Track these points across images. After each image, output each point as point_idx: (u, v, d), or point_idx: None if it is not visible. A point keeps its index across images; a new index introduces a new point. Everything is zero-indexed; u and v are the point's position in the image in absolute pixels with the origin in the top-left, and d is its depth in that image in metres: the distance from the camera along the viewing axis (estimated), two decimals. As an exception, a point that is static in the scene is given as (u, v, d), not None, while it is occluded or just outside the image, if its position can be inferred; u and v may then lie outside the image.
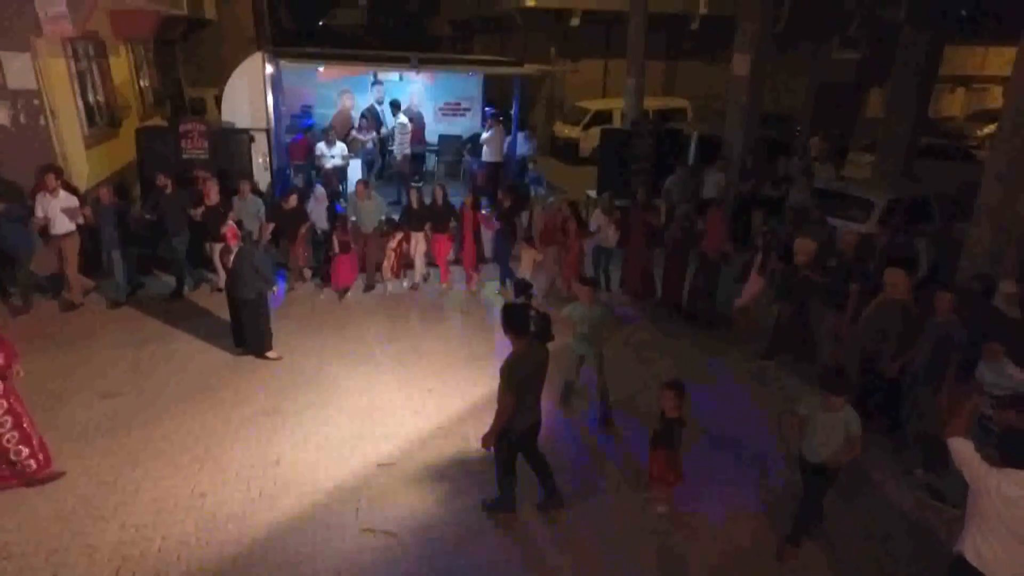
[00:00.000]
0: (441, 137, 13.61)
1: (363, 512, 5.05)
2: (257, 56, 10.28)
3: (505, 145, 12.79)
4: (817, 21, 21.72)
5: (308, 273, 9.33)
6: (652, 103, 20.89)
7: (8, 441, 4.92)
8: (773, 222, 9.72)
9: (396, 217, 9.48)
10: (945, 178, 12.84)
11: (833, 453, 4.47)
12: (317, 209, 9.32)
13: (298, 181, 10.93)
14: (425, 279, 9.41)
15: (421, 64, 10.29)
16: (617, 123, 18.34)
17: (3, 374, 4.86)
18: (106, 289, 8.64)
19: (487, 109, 13.02)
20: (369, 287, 9.10)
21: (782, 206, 10.39)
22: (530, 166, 12.87)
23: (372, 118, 12.40)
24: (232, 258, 6.92)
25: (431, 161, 13.63)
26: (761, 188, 11.61)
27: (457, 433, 6.08)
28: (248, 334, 7.19)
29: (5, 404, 4.88)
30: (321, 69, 11.66)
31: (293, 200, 8.79)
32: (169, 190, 8.56)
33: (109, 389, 6.54)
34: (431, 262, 9.40)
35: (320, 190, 9.53)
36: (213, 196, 8.43)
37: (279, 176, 11.05)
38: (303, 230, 8.87)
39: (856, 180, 12.04)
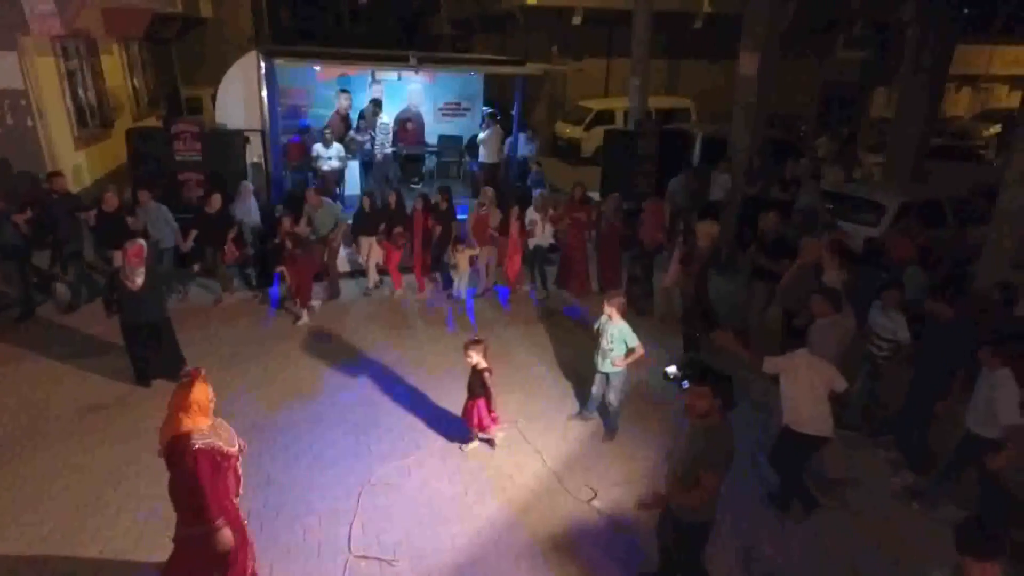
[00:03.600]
0: (441, 138, 13.31)
1: (357, 538, 4.79)
2: (251, 55, 10.01)
3: (507, 146, 12.53)
4: (822, 20, 21.44)
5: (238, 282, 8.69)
6: (655, 102, 20.57)
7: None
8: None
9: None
10: (952, 179, 12.56)
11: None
12: (244, 207, 8.66)
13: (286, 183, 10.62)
14: (377, 285, 9.07)
15: (420, 63, 10.01)
16: (619, 123, 18.08)
17: None
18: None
19: (484, 109, 12.72)
20: (333, 295, 8.76)
21: (791, 209, 10.11)
22: (532, 168, 12.59)
23: (370, 118, 12.11)
24: (142, 279, 6.11)
25: (431, 162, 13.33)
26: (769, 190, 11.33)
27: (457, 452, 5.81)
28: (164, 357, 6.49)
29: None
30: (318, 68, 11.37)
31: (216, 202, 8.08)
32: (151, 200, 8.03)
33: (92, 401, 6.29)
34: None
35: (246, 185, 8.79)
36: (143, 200, 7.94)
37: (275, 178, 10.78)
38: (231, 235, 8.15)
39: (866, 182, 11.76)
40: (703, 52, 21.73)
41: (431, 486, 5.37)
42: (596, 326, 5.95)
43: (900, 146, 12.96)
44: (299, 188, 10.21)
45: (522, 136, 12.83)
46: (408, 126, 12.56)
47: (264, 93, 10.00)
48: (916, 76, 12.36)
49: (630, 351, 5.73)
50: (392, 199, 8.52)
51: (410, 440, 5.93)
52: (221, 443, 3.61)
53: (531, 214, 8.64)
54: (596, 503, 5.24)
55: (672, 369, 3.98)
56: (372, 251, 8.68)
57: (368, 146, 11.36)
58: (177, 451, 3.48)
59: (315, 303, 8.21)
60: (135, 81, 13.55)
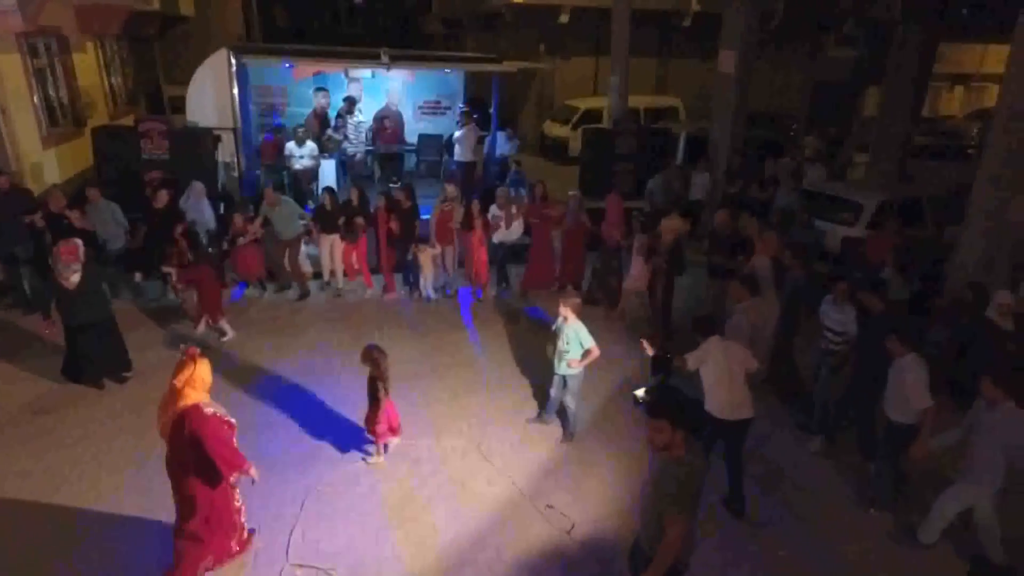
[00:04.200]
0: (421, 136, 13.19)
1: (296, 546, 4.66)
2: (222, 53, 9.90)
3: (486, 144, 12.41)
4: (812, 18, 21.31)
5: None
6: (643, 102, 20.48)
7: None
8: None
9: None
10: (942, 178, 12.44)
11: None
12: (197, 206, 8.41)
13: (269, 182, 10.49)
14: (339, 289, 8.86)
15: (393, 61, 9.88)
16: (607, 122, 17.95)
17: None
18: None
19: (459, 106, 12.60)
20: (303, 295, 8.63)
21: (770, 208, 9.99)
22: (512, 166, 12.47)
23: (345, 117, 11.98)
24: (78, 278, 5.91)
25: (411, 161, 13.22)
26: (748, 190, 11.21)
27: (409, 457, 5.68)
28: (109, 358, 6.35)
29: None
30: (288, 65, 11.25)
31: (163, 198, 7.82)
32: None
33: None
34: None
35: (198, 185, 8.56)
36: (93, 197, 7.76)
37: (248, 177, 10.68)
38: (178, 232, 7.79)
39: (845, 181, 11.63)
40: (693, 51, 21.59)
41: (379, 492, 5.24)
42: (553, 327, 5.83)
43: (884, 145, 12.85)
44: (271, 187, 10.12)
45: (501, 134, 12.72)
46: (387, 124, 12.44)
47: (235, 91, 9.91)
48: (900, 75, 12.25)
49: (586, 352, 5.61)
50: (354, 195, 8.37)
51: (363, 444, 5.80)
52: (224, 413, 4.02)
53: (494, 211, 8.51)
54: (552, 512, 5.11)
55: (640, 392, 3.84)
56: (334, 250, 8.53)
57: (345, 145, 11.24)
58: (192, 421, 3.77)
59: (224, 325, 7.49)
60: (112, 80, 13.41)
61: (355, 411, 6.24)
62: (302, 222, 8.52)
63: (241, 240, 7.98)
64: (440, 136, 13.22)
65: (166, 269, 7.33)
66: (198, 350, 4.03)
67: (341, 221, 8.25)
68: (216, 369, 6.65)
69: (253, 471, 4.07)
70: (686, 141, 14.22)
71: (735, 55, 10.81)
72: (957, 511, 4.65)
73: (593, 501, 5.22)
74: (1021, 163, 6.64)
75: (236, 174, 10.23)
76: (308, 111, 12.09)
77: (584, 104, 19.71)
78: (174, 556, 4.14)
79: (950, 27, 13.38)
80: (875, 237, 8.73)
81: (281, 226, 8.18)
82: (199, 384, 3.93)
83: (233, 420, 4.11)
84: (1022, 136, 6.53)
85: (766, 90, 23.81)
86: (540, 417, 6.24)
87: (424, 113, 13.38)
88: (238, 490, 4.28)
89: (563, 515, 5.02)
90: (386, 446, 5.61)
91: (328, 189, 8.60)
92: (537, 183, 8.99)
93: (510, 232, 8.50)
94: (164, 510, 4.55)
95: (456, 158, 11.67)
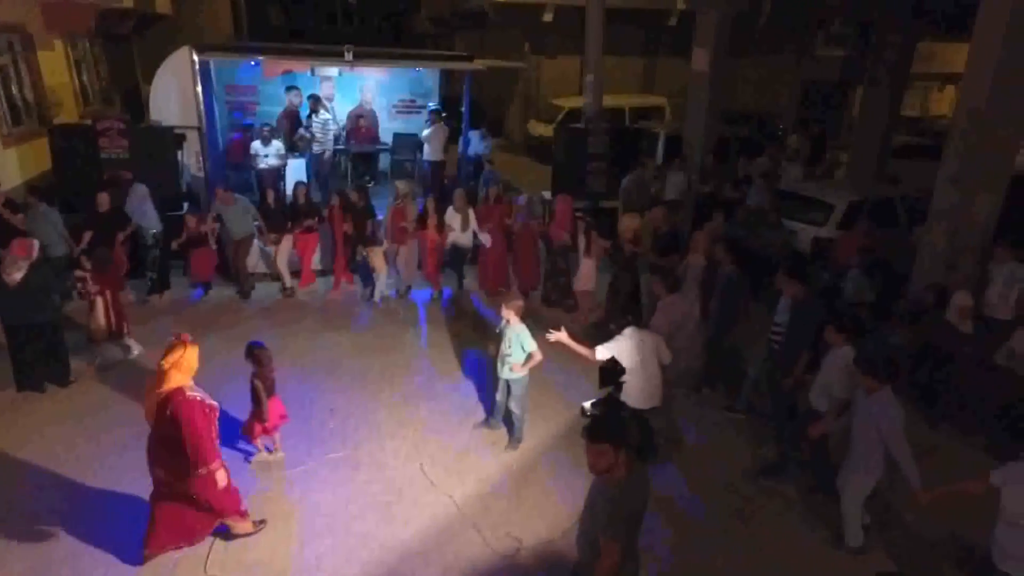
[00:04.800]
0: (396, 135, 13.04)
1: (216, 556, 4.52)
2: (184, 50, 9.73)
3: (460, 144, 12.27)
4: (799, 17, 21.17)
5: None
6: (630, 101, 20.40)
7: None
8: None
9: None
10: (925, 178, 12.27)
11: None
12: (140, 209, 8.13)
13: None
14: (291, 289, 8.70)
15: (356, 58, 9.73)
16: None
17: None
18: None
19: (429, 105, 12.46)
20: (245, 294, 8.48)
21: (736, 208, 9.87)
22: (487, 166, 12.33)
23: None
24: (20, 276, 5.77)
25: (385, 160, 13.07)
26: (722, 189, 11.08)
27: (348, 463, 5.54)
28: (51, 362, 6.21)
29: None
30: (254, 64, 11.10)
31: (104, 201, 7.57)
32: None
33: None
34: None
35: (141, 188, 8.26)
36: (31, 203, 7.54)
37: (215, 177, 10.53)
38: (122, 236, 7.66)
39: (818, 181, 11.49)
40: (679, 50, 21.41)
41: (311, 499, 5.11)
42: (498, 330, 5.70)
43: (864, 144, 12.71)
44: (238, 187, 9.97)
45: (475, 134, 12.57)
46: (361, 123, 12.29)
47: (198, 89, 9.76)
48: (879, 74, 12.11)
49: (528, 357, 5.48)
50: (301, 194, 8.21)
51: (302, 450, 5.66)
52: (206, 397, 4.11)
53: (449, 213, 8.37)
54: (486, 525, 4.98)
55: (588, 405, 3.69)
56: (281, 250, 8.38)
57: (313, 144, 11.10)
58: (175, 403, 3.92)
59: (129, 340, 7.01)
60: (83, 78, 13.27)
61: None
62: (256, 223, 8.37)
63: (209, 240, 7.85)
64: (415, 135, 13.02)
65: (79, 274, 6.93)
66: (189, 336, 4.18)
67: (289, 226, 8.10)
68: (130, 376, 6.56)
69: (219, 475, 4.13)
70: (665, 140, 14.13)
71: (708, 53, 10.67)
72: (860, 503, 4.60)
73: (533, 512, 5.08)
74: (981, 163, 6.50)
75: (201, 174, 10.07)
76: (278, 110, 11.94)
77: (568, 103, 19.55)
78: (147, 527, 4.30)
79: (930, 26, 13.21)
80: (845, 238, 8.63)
81: (233, 225, 8.03)
82: (185, 368, 4.07)
83: (215, 403, 4.18)
84: (981, 136, 6.38)
85: (754, 90, 23.70)
86: (487, 422, 6.10)
87: (399, 112, 13.22)
88: (220, 474, 4.19)
89: (509, 535, 4.84)
90: (268, 443, 5.48)
91: (272, 188, 8.46)
92: (492, 185, 8.87)
93: (465, 234, 8.36)
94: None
95: (425, 157, 11.53)
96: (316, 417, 6.14)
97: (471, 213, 8.38)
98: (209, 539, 4.60)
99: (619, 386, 4.97)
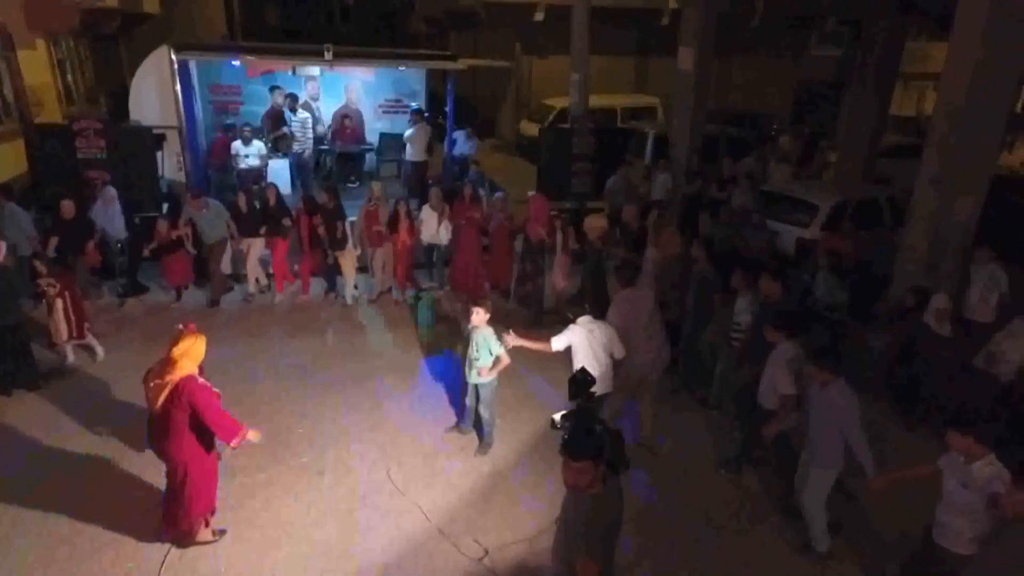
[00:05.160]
0: (382, 135, 12.95)
1: (171, 563, 4.43)
2: (163, 50, 9.66)
3: (446, 144, 12.19)
4: (793, 16, 21.08)
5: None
6: (622, 101, 20.31)
7: None
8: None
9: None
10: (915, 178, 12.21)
11: None
12: (106, 215, 7.99)
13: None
14: (262, 290, 8.63)
15: (336, 57, 9.63)
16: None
17: None
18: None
19: (411, 105, 12.36)
20: (214, 302, 8.35)
21: (719, 208, 9.79)
22: (472, 166, 12.25)
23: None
24: None
25: (370, 161, 12.97)
26: (708, 190, 10.98)
27: (313, 469, 5.45)
28: (14, 364, 6.10)
29: None
30: (235, 63, 11.01)
31: (69, 209, 7.34)
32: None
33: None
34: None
35: (110, 191, 8.13)
36: None
37: (197, 177, 10.45)
38: (91, 244, 7.50)
39: (803, 182, 11.40)
40: (672, 50, 21.26)
41: (273, 506, 5.01)
42: (465, 334, 5.60)
43: (852, 145, 12.62)
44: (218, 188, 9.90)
45: (461, 134, 12.48)
46: (346, 123, 12.20)
47: (178, 88, 9.68)
48: (867, 74, 12.03)
49: (496, 360, 5.39)
50: (271, 196, 8.11)
51: (268, 456, 5.56)
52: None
53: (425, 212, 8.27)
54: (453, 533, 4.89)
55: (557, 417, 3.59)
56: (251, 253, 8.27)
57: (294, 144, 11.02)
58: (189, 391, 4.10)
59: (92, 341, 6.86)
60: (68, 78, 13.18)
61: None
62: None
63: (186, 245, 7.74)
64: (402, 135, 12.96)
65: (47, 282, 6.52)
66: (195, 326, 4.36)
67: (263, 231, 8.00)
68: (97, 380, 6.51)
69: (251, 434, 4.32)
70: (654, 140, 14.03)
71: (693, 52, 10.58)
72: (822, 500, 4.54)
73: (501, 520, 4.98)
74: (961, 163, 6.41)
75: (181, 175, 9.99)
76: (262, 110, 11.86)
77: (559, 103, 19.42)
78: (164, 516, 4.44)
79: (920, 25, 13.13)
80: (828, 239, 8.53)
81: (206, 230, 7.92)
82: (193, 356, 4.26)
83: (217, 391, 4.36)
84: (960, 136, 6.29)
85: (749, 90, 23.61)
86: (458, 427, 6.02)
87: (385, 112, 13.13)
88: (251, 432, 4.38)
89: (475, 542, 4.74)
90: None
91: (244, 190, 8.36)
92: (465, 183, 8.79)
93: (440, 234, 8.27)
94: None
95: (408, 158, 11.43)
96: (285, 422, 6.04)
97: (447, 211, 8.28)
98: (164, 547, 4.52)
99: (590, 396, 4.78)
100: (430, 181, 11.12)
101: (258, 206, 8.26)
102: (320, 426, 6.02)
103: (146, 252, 7.90)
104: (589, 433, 3.09)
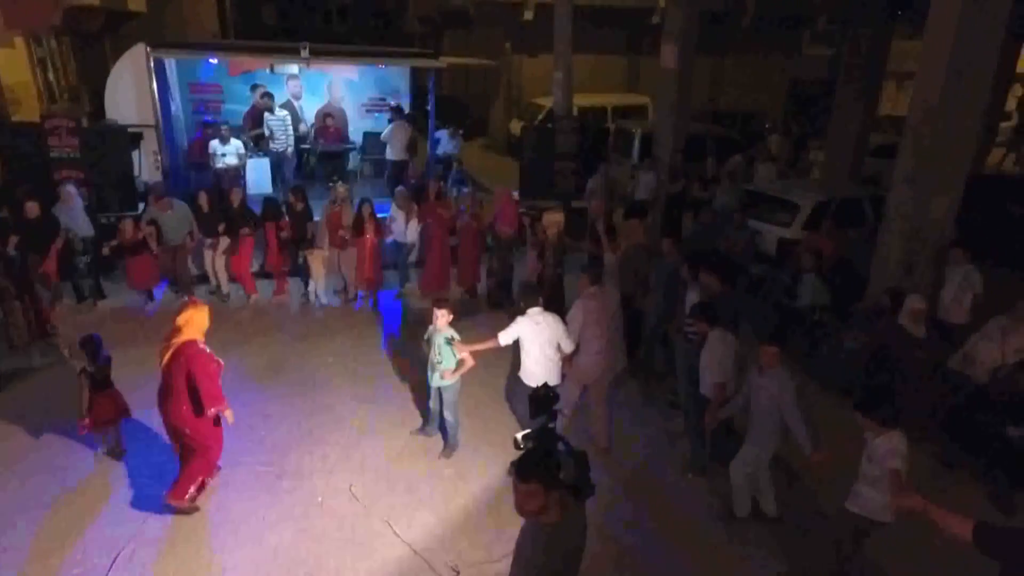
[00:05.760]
0: (366, 135, 12.86)
1: (121, 564, 4.34)
2: (139, 47, 9.58)
3: (429, 143, 12.10)
4: (785, 15, 21.01)
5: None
6: (612, 100, 20.24)
7: None
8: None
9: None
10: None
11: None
12: (69, 212, 7.74)
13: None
14: (225, 293, 8.39)
15: (314, 55, 9.55)
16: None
17: None
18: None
19: (390, 103, 12.28)
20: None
21: (701, 207, 9.72)
22: (455, 166, 12.17)
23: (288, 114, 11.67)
24: None
25: (354, 160, 12.89)
26: (691, 189, 10.92)
27: (272, 472, 5.36)
28: None
29: None
30: (213, 61, 10.93)
31: (33, 209, 7.13)
32: None
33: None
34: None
35: (69, 189, 7.91)
36: None
37: (175, 176, 10.38)
38: (57, 244, 7.26)
39: (785, 181, 11.31)
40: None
41: (228, 508, 4.93)
42: (426, 336, 5.51)
43: (838, 144, 12.53)
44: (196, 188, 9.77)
45: (444, 133, 12.40)
46: (329, 122, 12.13)
47: (154, 86, 9.60)
48: (853, 73, 11.94)
49: (459, 363, 5.30)
50: (235, 197, 8.00)
51: (227, 457, 5.38)
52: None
53: (392, 211, 8.18)
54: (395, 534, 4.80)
55: (520, 437, 3.40)
56: (211, 253, 8.15)
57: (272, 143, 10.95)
58: (188, 355, 4.44)
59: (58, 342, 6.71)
60: (48, 77, 13.09)
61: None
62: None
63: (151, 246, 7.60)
64: (385, 134, 12.89)
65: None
66: (197, 298, 4.88)
67: (221, 228, 7.89)
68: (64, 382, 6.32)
69: (228, 413, 4.70)
70: (641, 139, 13.95)
71: (676, 50, 10.49)
72: (747, 474, 4.87)
73: (459, 526, 4.90)
74: (937, 162, 6.32)
75: (159, 174, 9.90)
76: (244, 108, 11.78)
77: (548, 103, 19.35)
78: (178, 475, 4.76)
79: (908, 24, 13.05)
80: (809, 239, 8.46)
81: (170, 231, 7.79)
82: (196, 324, 4.59)
83: (221, 361, 4.71)
84: (935, 134, 6.20)
85: (741, 89, 23.53)
86: (424, 429, 5.92)
87: (369, 111, 13.05)
88: (228, 412, 4.75)
89: (429, 549, 4.66)
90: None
91: (205, 190, 8.28)
92: (433, 180, 8.70)
93: (408, 233, 8.18)
94: None
95: (388, 157, 11.35)
96: (247, 423, 5.93)
97: (414, 210, 8.19)
98: (117, 549, 4.44)
99: (554, 414, 4.59)
100: (412, 180, 11.06)
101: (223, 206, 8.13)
102: (284, 427, 5.93)
103: (105, 250, 7.62)
104: (548, 455, 2.90)
